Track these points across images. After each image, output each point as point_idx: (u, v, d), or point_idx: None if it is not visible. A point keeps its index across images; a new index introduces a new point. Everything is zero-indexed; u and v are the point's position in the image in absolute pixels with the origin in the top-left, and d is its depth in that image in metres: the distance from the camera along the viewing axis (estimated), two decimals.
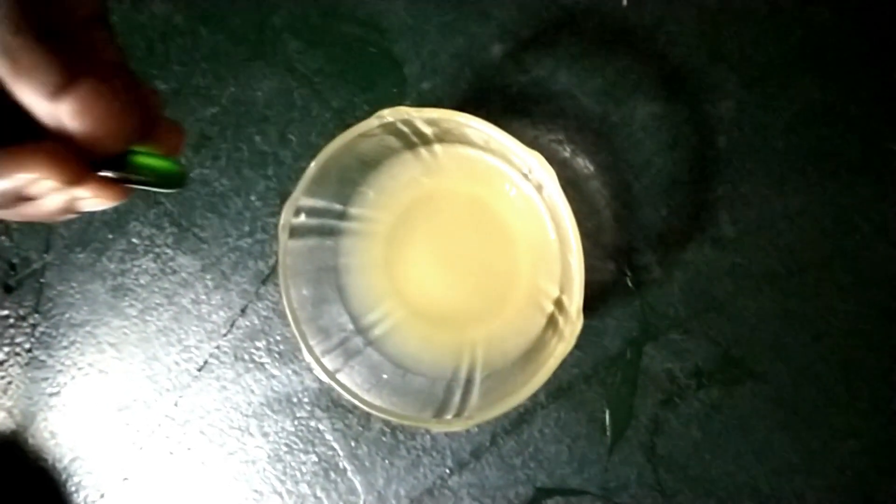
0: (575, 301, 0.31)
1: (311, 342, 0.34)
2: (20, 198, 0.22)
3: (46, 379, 0.42)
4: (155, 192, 0.22)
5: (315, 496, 0.40)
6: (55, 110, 0.20)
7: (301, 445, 0.40)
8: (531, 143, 0.31)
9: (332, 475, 0.40)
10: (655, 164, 0.39)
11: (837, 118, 0.39)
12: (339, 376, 0.33)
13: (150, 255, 0.41)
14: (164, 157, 0.22)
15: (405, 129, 0.33)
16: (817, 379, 0.38)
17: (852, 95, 0.39)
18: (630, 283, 0.39)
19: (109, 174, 0.21)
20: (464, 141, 0.35)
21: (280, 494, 0.41)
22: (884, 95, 0.39)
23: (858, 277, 0.38)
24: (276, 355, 0.41)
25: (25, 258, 0.42)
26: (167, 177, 0.22)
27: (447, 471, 0.40)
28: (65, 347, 0.42)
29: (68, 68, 0.20)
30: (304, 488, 0.41)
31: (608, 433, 0.39)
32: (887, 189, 0.38)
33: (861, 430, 0.38)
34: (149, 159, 0.21)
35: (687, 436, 0.39)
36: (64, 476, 0.42)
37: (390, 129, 0.33)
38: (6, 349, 0.42)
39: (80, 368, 0.42)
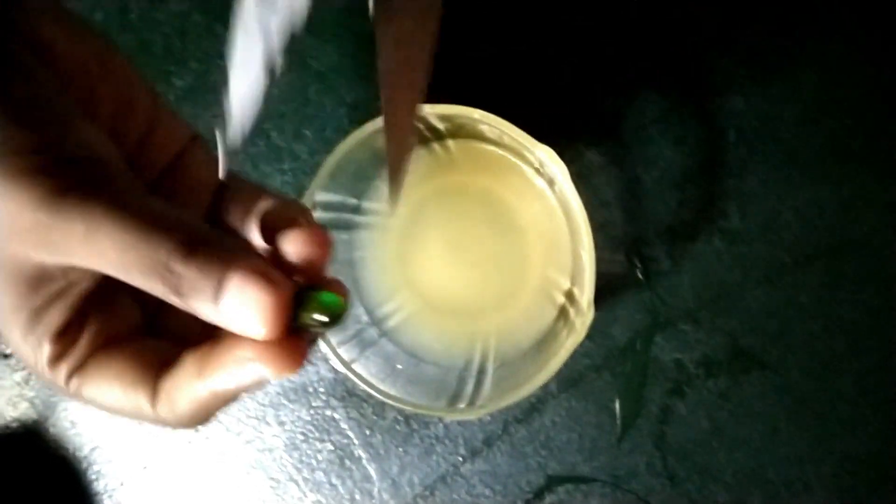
0: (586, 293, 0.32)
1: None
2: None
3: None
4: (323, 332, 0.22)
5: (331, 483, 0.41)
6: (219, 312, 0.19)
7: (317, 434, 0.41)
8: (542, 138, 0.31)
9: (348, 463, 0.41)
10: (665, 157, 0.39)
11: (845, 111, 0.39)
12: (355, 366, 0.34)
13: None
14: (325, 290, 0.20)
15: (419, 124, 0.34)
16: (825, 369, 0.39)
17: (860, 88, 0.39)
18: (640, 275, 0.39)
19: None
20: (476, 136, 0.36)
21: (296, 482, 0.41)
22: (891, 88, 0.39)
23: (866, 268, 0.39)
24: None
25: None
26: (334, 309, 0.20)
27: (460, 458, 0.41)
28: None
29: (220, 268, 0.19)
30: (319, 476, 0.41)
31: (618, 422, 0.40)
32: (893, 181, 0.39)
33: (869, 420, 0.39)
34: (315, 298, 0.20)
35: (696, 425, 0.39)
36: (84, 464, 0.43)
37: None
38: None
39: None
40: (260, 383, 0.20)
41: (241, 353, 0.20)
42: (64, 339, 0.21)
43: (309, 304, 0.20)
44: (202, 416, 0.21)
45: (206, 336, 0.21)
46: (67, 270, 0.20)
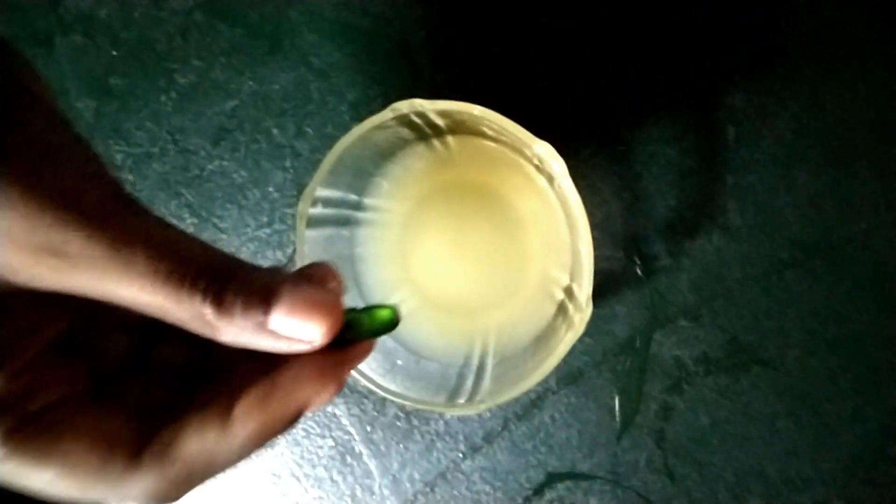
0: (584, 289, 0.32)
1: None
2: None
3: None
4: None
5: (332, 479, 0.41)
6: (268, 323, 0.18)
7: (318, 430, 0.42)
8: (542, 135, 0.32)
9: (348, 459, 0.41)
10: (664, 154, 0.40)
11: (844, 108, 0.39)
12: None
13: None
14: (374, 306, 0.21)
15: (419, 120, 0.34)
16: (824, 366, 0.39)
17: (859, 85, 0.39)
18: (639, 272, 0.40)
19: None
20: (476, 132, 0.36)
21: (297, 478, 0.42)
22: (891, 85, 0.39)
23: (864, 266, 0.39)
24: None
25: None
26: (386, 323, 0.21)
27: (460, 455, 0.41)
28: None
29: (268, 279, 0.19)
30: (320, 472, 0.42)
31: (618, 419, 0.40)
32: (893, 178, 0.39)
33: (867, 417, 0.39)
34: (363, 314, 0.21)
35: (695, 421, 0.39)
36: None
37: (404, 120, 0.34)
38: None
39: None
40: (303, 415, 0.20)
41: (298, 374, 0.19)
42: (14, 386, 0.18)
43: (366, 315, 0.20)
44: (217, 470, 0.19)
45: (168, 404, 0.20)
46: (45, 304, 0.18)
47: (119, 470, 0.18)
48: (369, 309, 0.21)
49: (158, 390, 0.21)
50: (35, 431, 0.18)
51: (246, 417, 0.19)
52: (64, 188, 0.17)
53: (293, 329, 0.18)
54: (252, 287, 0.18)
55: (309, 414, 0.19)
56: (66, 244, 0.17)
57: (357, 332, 0.20)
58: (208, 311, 0.18)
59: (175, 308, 0.18)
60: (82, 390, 0.20)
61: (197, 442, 0.19)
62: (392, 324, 0.21)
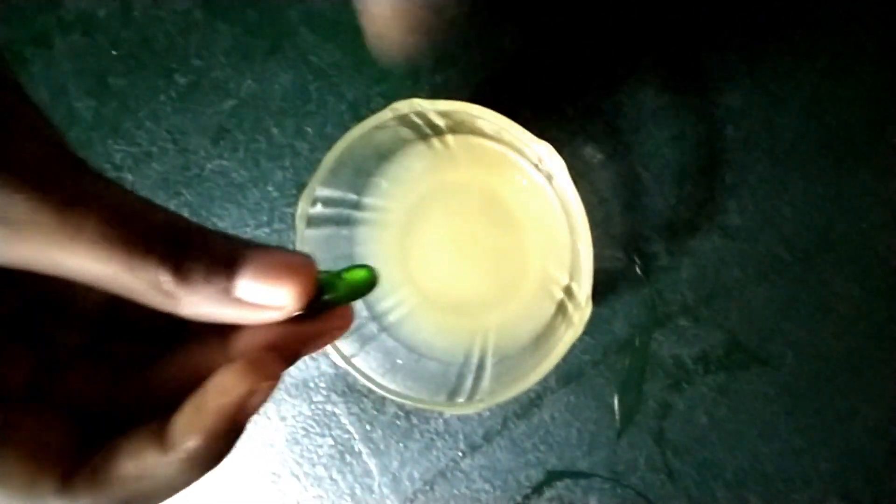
0: (584, 288, 0.32)
1: None
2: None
3: None
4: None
5: (331, 478, 0.42)
6: (233, 290, 0.17)
7: (318, 429, 0.42)
8: (542, 134, 0.32)
9: (348, 458, 0.41)
10: (664, 153, 0.40)
11: (843, 107, 0.39)
12: (355, 361, 0.34)
13: None
14: (351, 269, 0.20)
15: (418, 120, 0.34)
16: (823, 364, 0.39)
17: (858, 84, 0.39)
18: (639, 271, 0.40)
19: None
20: (476, 132, 0.36)
21: (297, 476, 0.42)
22: (890, 85, 0.39)
23: (863, 264, 0.39)
24: None
25: None
26: (363, 284, 0.20)
27: (460, 454, 0.41)
28: None
29: (234, 246, 0.17)
30: (320, 471, 0.42)
31: (617, 417, 0.40)
32: (892, 178, 0.39)
33: (866, 415, 0.39)
34: (337, 276, 0.19)
35: (694, 420, 0.40)
36: None
37: (404, 120, 0.34)
38: None
39: None
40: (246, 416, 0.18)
41: (231, 371, 0.17)
42: None
43: (340, 277, 0.19)
44: (159, 496, 0.17)
45: (112, 408, 0.18)
46: None
47: (48, 491, 0.16)
48: (344, 270, 0.19)
49: (103, 391, 0.19)
50: None
51: (182, 434, 0.17)
52: (4, 149, 0.15)
53: (261, 295, 0.17)
54: (215, 251, 0.16)
55: (251, 417, 0.18)
56: (8, 209, 0.15)
57: (333, 295, 0.19)
58: (166, 279, 0.16)
59: (129, 278, 0.16)
60: (22, 386, 0.18)
61: (133, 464, 0.17)
62: (370, 283, 0.19)
